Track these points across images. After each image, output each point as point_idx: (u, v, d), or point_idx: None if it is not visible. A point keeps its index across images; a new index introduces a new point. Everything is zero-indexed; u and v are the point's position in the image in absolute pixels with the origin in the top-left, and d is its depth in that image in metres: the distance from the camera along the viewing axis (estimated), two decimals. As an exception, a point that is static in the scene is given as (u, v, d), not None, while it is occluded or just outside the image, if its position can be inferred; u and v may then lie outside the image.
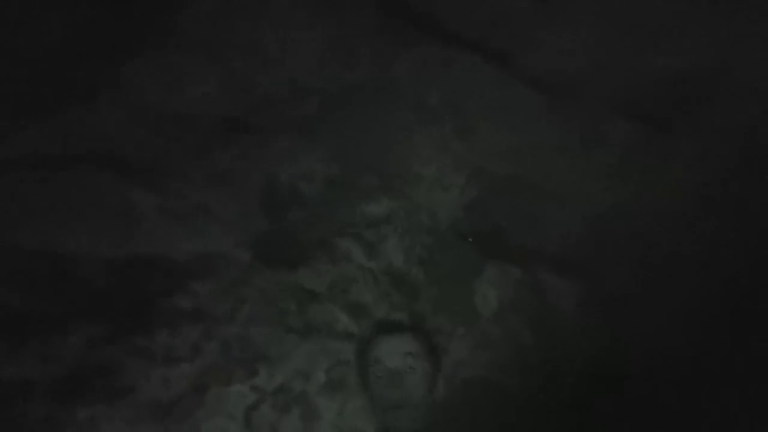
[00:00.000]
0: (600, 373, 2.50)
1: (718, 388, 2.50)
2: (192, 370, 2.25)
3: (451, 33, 2.65)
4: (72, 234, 2.30)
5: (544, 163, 2.74)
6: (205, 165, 2.49)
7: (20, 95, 2.39)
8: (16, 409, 2.02)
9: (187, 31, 2.56)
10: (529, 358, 2.51)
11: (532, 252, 2.69)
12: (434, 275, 2.58)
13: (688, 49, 2.60)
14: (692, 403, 2.50)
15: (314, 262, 2.49)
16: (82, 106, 2.43)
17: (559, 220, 2.74)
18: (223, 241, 2.42)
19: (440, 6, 2.66)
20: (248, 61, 2.58)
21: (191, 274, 2.35)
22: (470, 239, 2.64)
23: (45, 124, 2.39)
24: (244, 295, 2.38)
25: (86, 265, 2.27)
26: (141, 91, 2.51)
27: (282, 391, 2.34)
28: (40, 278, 2.23)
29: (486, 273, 2.60)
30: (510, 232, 2.70)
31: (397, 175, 2.61)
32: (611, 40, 2.61)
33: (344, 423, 2.39)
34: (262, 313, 2.38)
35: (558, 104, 2.72)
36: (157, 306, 2.28)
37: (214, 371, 2.27)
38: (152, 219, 2.39)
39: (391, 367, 2.26)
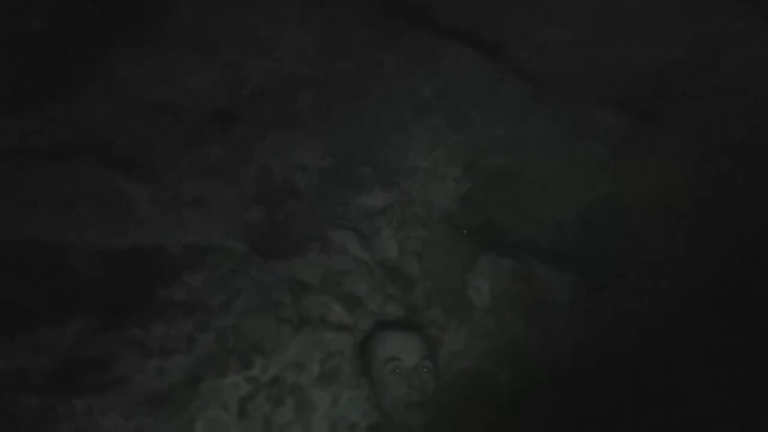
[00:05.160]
0: (591, 365, 2.52)
1: (704, 378, 2.54)
2: (187, 361, 2.23)
3: (443, 25, 2.65)
4: (63, 225, 2.27)
5: (534, 155, 2.76)
6: (197, 156, 2.47)
7: (5, 87, 2.36)
8: (9, 402, 2.00)
9: (176, 22, 2.54)
10: (522, 349, 2.53)
11: (524, 244, 2.71)
12: (429, 267, 2.59)
13: (678, 43, 2.62)
14: (682, 394, 2.53)
15: (308, 253, 2.48)
16: (71, 97, 2.40)
17: (550, 213, 2.76)
18: (217, 233, 2.40)
19: (431, -2, 2.67)
20: (239, 52, 2.56)
21: (185, 266, 2.33)
22: (464, 231, 2.65)
23: (33, 116, 2.35)
24: (239, 286, 2.37)
25: (78, 257, 2.24)
26: (131, 82, 2.48)
27: (276, 382, 2.34)
28: (30, 269, 2.20)
29: (479, 265, 2.62)
30: (503, 225, 2.72)
31: (392, 167, 2.62)
32: (601, 33, 2.63)
33: (338, 414, 2.39)
34: (257, 304, 2.37)
35: (548, 97, 2.74)
36: (151, 297, 2.26)
37: (209, 362, 2.26)
38: (145, 210, 2.37)
39: (409, 366, 2.29)
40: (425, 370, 2.30)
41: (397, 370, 2.29)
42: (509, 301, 2.59)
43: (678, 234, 2.73)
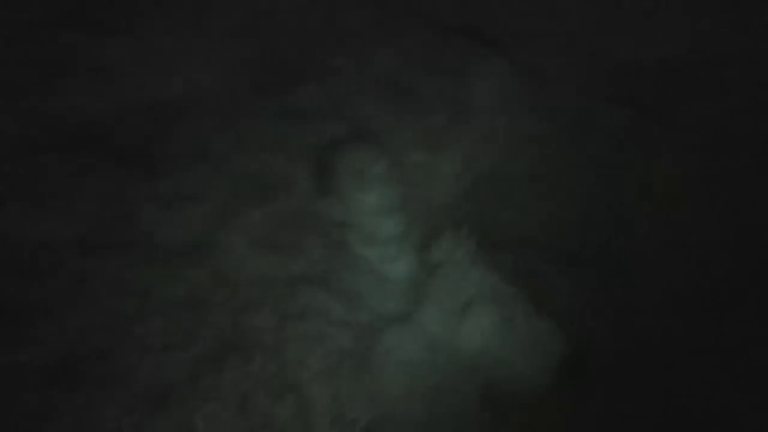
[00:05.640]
0: (591, 363, 2.52)
1: (704, 377, 2.53)
2: (186, 357, 2.23)
3: (444, 20, 2.65)
4: (63, 220, 2.27)
5: (535, 151, 2.75)
6: (198, 150, 2.47)
7: (4, 79, 2.36)
8: (10, 396, 2.00)
9: (176, 14, 2.54)
10: (522, 345, 2.52)
11: (525, 240, 2.70)
12: (429, 263, 2.59)
13: (679, 40, 2.62)
14: (682, 393, 2.53)
15: (309, 248, 2.48)
16: (70, 91, 2.40)
17: (551, 209, 2.76)
18: (218, 228, 2.40)
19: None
20: (239, 46, 2.56)
21: (185, 262, 2.33)
22: (465, 226, 2.64)
23: (32, 108, 2.36)
24: (238, 281, 2.36)
25: (78, 252, 2.24)
26: (130, 76, 2.48)
27: (276, 377, 2.33)
28: (31, 265, 2.20)
29: (480, 261, 2.61)
30: (503, 220, 2.72)
31: (394, 163, 2.61)
32: (602, 30, 2.63)
33: (338, 410, 2.39)
34: (257, 300, 2.37)
35: (549, 93, 2.73)
36: (151, 293, 2.26)
37: (208, 358, 2.26)
38: (144, 205, 2.37)
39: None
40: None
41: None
42: (510, 296, 2.59)
43: (679, 231, 2.72)
